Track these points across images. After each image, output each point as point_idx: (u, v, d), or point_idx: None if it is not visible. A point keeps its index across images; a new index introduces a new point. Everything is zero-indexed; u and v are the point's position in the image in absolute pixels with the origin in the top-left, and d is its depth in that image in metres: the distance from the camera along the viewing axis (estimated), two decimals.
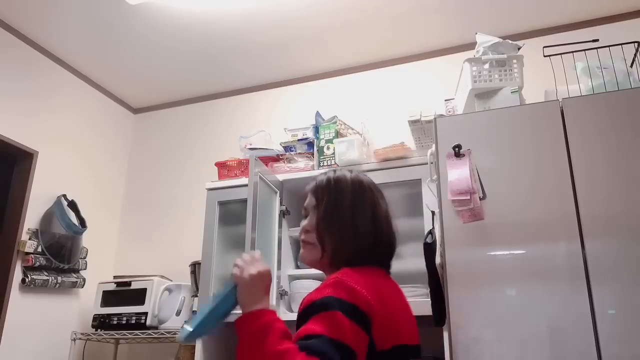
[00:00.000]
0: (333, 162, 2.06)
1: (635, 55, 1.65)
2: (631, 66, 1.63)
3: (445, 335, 1.42)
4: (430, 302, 1.49)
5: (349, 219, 0.93)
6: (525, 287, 1.29)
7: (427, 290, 1.54)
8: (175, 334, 2.14)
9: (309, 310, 0.80)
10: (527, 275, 1.30)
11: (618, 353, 1.18)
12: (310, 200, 0.98)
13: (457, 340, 1.30)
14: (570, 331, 1.23)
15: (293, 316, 1.95)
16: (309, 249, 0.96)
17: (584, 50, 1.58)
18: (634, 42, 1.63)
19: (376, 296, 0.84)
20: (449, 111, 1.93)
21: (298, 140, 2.21)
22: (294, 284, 2.01)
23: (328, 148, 2.09)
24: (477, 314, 1.31)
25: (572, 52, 1.59)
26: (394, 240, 1.02)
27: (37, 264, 2.18)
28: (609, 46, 1.54)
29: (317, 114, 2.30)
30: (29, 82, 2.36)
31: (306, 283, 2.00)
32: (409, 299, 1.75)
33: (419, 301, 1.74)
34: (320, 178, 0.99)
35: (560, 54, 1.58)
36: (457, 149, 1.43)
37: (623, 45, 1.56)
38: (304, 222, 0.98)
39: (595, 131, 1.37)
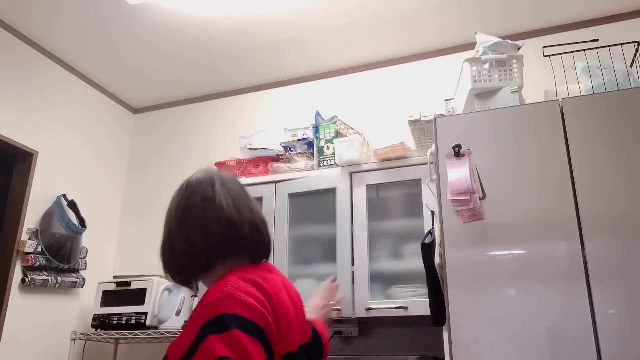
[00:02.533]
0: (333, 162, 2.06)
1: (635, 55, 1.65)
2: (631, 66, 1.63)
3: (445, 335, 1.42)
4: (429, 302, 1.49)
5: (167, 240, 0.93)
6: (526, 287, 1.29)
7: (425, 291, 1.54)
8: (175, 334, 2.14)
9: (203, 329, 0.74)
10: (527, 276, 1.30)
11: (618, 353, 1.18)
12: None
13: (457, 341, 1.30)
14: (570, 331, 1.23)
15: None
16: None
17: (584, 50, 1.58)
18: (634, 42, 1.62)
19: (270, 305, 0.82)
20: (449, 111, 1.93)
21: (298, 140, 2.21)
22: (297, 283, 2.01)
23: (328, 148, 2.09)
24: (477, 314, 1.31)
25: (572, 52, 1.59)
26: (250, 230, 0.94)
27: (37, 264, 2.18)
28: (609, 46, 1.54)
29: (317, 114, 2.31)
30: (29, 82, 2.36)
31: (306, 282, 2.00)
32: (409, 299, 1.77)
33: (419, 301, 1.75)
34: None
35: (560, 54, 1.58)
36: (457, 149, 1.43)
37: (623, 46, 1.56)
38: None
39: (595, 131, 1.37)
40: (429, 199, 1.75)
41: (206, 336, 0.73)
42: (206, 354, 0.71)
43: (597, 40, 1.59)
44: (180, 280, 0.93)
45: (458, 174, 1.40)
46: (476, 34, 1.75)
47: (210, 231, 0.90)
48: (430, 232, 1.52)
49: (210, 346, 0.71)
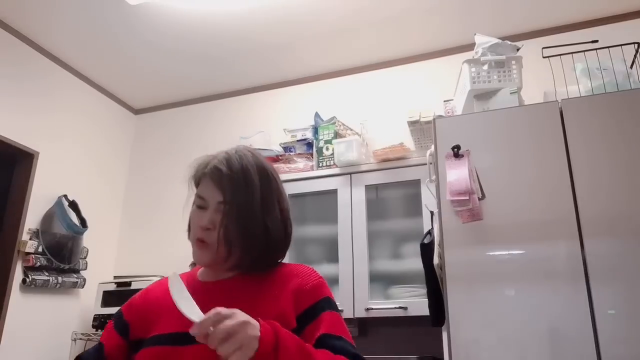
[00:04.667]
0: (332, 163, 2.06)
1: (635, 56, 1.64)
2: (631, 67, 1.62)
3: (445, 335, 1.42)
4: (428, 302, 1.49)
5: (260, 218, 0.82)
6: (525, 287, 1.29)
7: (425, 291, 1.54)
8: None
9: (329, 304, 0.82)
10: (526, 276, 1.30)
11: (618, 353, 1.18)
12: (213, 193, 0.83)
13: (456, 341, 1.30)
14: (570, 332, 1.23)
15: None
16: (210, 250, 0.82)
17: (584, 51, 1.58)
18: (633, 43, 1.62)
19: None
20: (448, 112, 1.94)
21: (297, 140, 2.21)
22: None
23: (327, 149, 2.09)
24: (476, 315, 1.31)
25: (572, 53, 1.59)
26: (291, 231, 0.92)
27: (38, 264, 2.18)
28: (608, 47, 1.54)
29: (316, 115, 2.31)
30: (30, 83, 2.36)
31: None
32: (408, 300, 1.78)
33: (418, 301, 1.75)
34: (223, 163, 0.84)
35: (560, 55, 1.58)
36: (456, 149, 1.44)
37: (623, 46, 1.56)
38: (203, 217, 0.83)
39: (594, 132, 1.37)
40: (428, 199, 1.75)
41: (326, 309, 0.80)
42: (336, 330, 0.78)
43: (596, 41, 1.59)
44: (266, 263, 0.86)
45: (457, 174, 1.40)
46: (475, 34, 1.75)
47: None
48: (429, 232, 1.53)
49: (336, 324, 0.79)
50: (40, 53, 2.42)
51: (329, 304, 0.81)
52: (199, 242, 0.83)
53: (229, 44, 2.40)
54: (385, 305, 1.81)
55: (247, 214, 0.82)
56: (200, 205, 0.84)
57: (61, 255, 2.29)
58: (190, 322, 0.65)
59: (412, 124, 1.97)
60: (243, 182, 0.83)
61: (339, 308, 1.80)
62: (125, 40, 2.37)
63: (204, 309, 0.69)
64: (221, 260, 0.83)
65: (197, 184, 0.88)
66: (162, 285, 0.89)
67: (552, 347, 1.23)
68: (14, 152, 2.27)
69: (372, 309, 1.81)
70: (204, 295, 0.81)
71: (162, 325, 0.82)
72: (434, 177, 1.51)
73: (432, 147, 1.52)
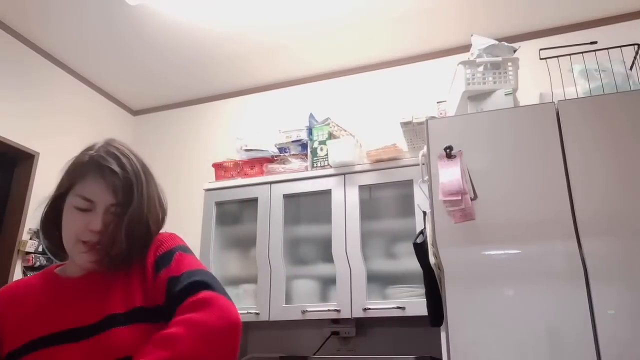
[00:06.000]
0: (326, 163, 2.06)
1: (635, 57, 1.62)
2: (630, 69, 1.60)
3: (443, 335, 1.41)
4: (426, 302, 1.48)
5: (145, 219, 0.83)
6: (523, 287, 1.28)
7: (423, 291, 1.53)
8: None
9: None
10: (524, 276, 1.29)
11: (618, 354, 1.17)
12: (104, 195, 0.81)
13: (455, 341, 1.30)
14: (570, 332, 1.22)
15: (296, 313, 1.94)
16: (98, 252, 0.81)
17: (582, 52, 1.56)
18: (633, 45, 1.60)
19: None
20: (441, 113, 1.93)
21: (292, 141, 2.21)
22: (294, 283, 2.01)
23: (321, 149, 2.09)
24: (475, 315, 1.30)
25: (569, 54, 1.57)
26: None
27: (37, 263, 2.20)
28: (607, 48, 1.52)
29: (311, 116, 2.30)
30: (30, 84, 2.38)
31: (303, 282, 2.00)
32: (406, 299, 1.77)
33: (416, 301, 1.74)
34: (113, 162, 0.83)
35: (557, 56, 1.56)
36: (448, 150, 1.43)
37: (622, 48, 1.54)
38: (92, 219, 0.81)
39: (592, 133, 1.35)
40: (420, 199, 1.75)
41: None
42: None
43: (595, 42, 1.57)
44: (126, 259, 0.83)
45: (449, 174, 1.40)
46: (472, 35, 1.74)
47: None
48: (422, 232, 1.52)
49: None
50: (39, 54, 2.43)
51: (180, 248, 0.84)
52: (85, 245, 0.81)
53: (227, 46, 2.41)
54: (383, 305, 1.80)
55: (137, 215, 0.82)
56: (84, 207, 0.82)
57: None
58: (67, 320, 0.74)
59: (405, 124, 1.97)
60: (135, 183, 0.83)
61: (337, 308, 1.83)
62: (124, 41, 2.38)
63: (73, 306, 0.76)
64: (106, 260, 0.81)
65: (72, 184, 0.85)
66: (21, 288, 0.89)
67: (552, 347, 1.22)
68: (15, 153, 2.29)
69: (369, 309, 1.80)
70: (71, 292, 0.83)
71: (35, 329, 0.79)
72: (426, 178, 1.50)
73: (425, 147, 1.51)
